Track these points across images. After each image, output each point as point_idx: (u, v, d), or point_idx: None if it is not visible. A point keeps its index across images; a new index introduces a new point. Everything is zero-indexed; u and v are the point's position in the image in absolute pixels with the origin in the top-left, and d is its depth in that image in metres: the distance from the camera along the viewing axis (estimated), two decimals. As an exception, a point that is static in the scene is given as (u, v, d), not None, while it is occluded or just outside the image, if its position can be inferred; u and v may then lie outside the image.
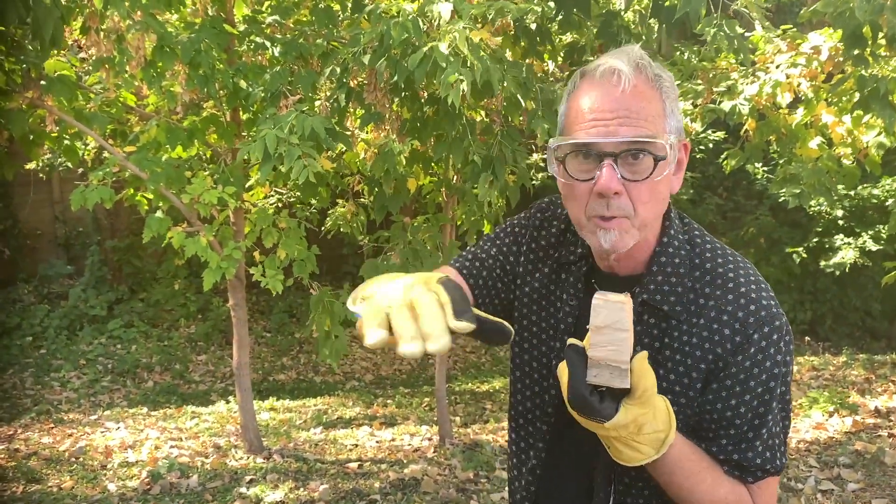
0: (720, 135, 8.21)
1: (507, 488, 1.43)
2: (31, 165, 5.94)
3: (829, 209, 7.97)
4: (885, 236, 7.92)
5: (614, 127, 1.04)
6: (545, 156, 1.22)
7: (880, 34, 3.30)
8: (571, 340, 1.03)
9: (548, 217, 1.31)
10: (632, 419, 1.01)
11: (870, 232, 8.16)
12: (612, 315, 0.99)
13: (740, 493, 1.13)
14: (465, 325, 0.88)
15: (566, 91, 1.14)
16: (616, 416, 1.00)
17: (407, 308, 0.88)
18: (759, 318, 1.09)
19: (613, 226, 1.07)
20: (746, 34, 4.13)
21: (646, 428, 1.02)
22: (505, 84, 2.81)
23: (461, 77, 2.61)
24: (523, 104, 3.12)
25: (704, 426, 1.13)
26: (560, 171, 1.10)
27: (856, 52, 3.39)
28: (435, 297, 0.89)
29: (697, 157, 8.88)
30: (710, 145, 8.51)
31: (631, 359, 1.00)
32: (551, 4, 3.15)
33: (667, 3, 3.05)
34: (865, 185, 8.05)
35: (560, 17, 3.21)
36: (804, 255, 8.26)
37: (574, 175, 1.09)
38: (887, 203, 8.04)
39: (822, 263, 8.09)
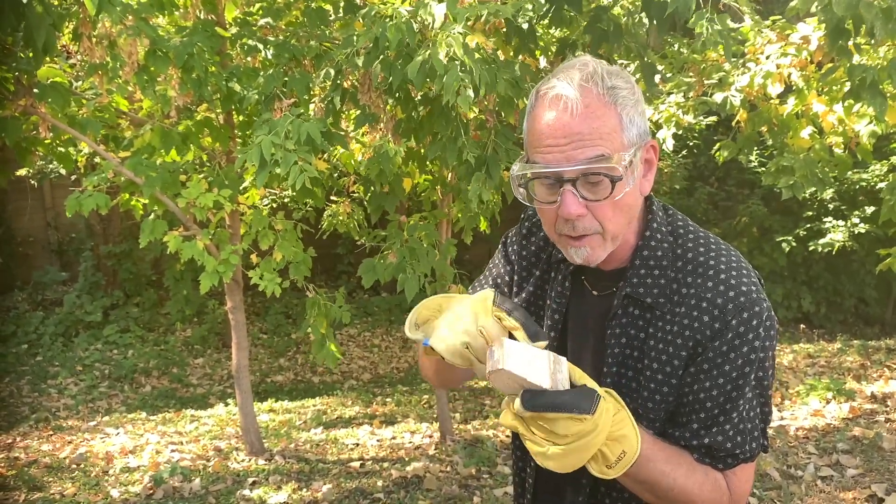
0: (711, 120, 8.24)
1: (512, 482, 1.44)
2: (21, 172, 5.92)
3: (818, 193, 8.02)
4: (873, 217, 7.97)
5: (569, 152, 1.06)
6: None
7: (862, 27, 3.32)
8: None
9: (535, 223, 1.34)
10: (612, 405, 1.01)
11: (857, 213, 8.21)
12: (488, 364, 0.99)
13: (715, 478, 1.14)
14: (541, 345, 1.03)
15: (527, 106, 1.16)
16: (599, 403, 0.97)
17: (486, 346, 1.04)
18: (737, 304, 1.10)
19: (584, 243, 1.11)
20: (737, 25, 4.14)
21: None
22: (497, 85, 2.82)
23: (465, 83, 2.62)
24: (517, 102, 3.13)
25: (678, 410, 1.15)
26: (525, 196, 1.14)
27: (839, 43, 3.41)
28: (502, 330, 1.05)
29: (690, 143, 8.91)
30: (703, 132, 8.52)
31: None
32: (542, 1, 3.15)
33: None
34: (856, 171, 8.11)
35: (551, 13, 3.22)
36: (794, 244, 8.31)
37: (539, 199, 1.12)
38: (878, 187, 8.11)
39: (812, 246, 8.14)
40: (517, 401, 0.96)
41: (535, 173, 1.10)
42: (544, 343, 1.03)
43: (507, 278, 1.36)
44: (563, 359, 1.01)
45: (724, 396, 1.11)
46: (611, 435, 1.00)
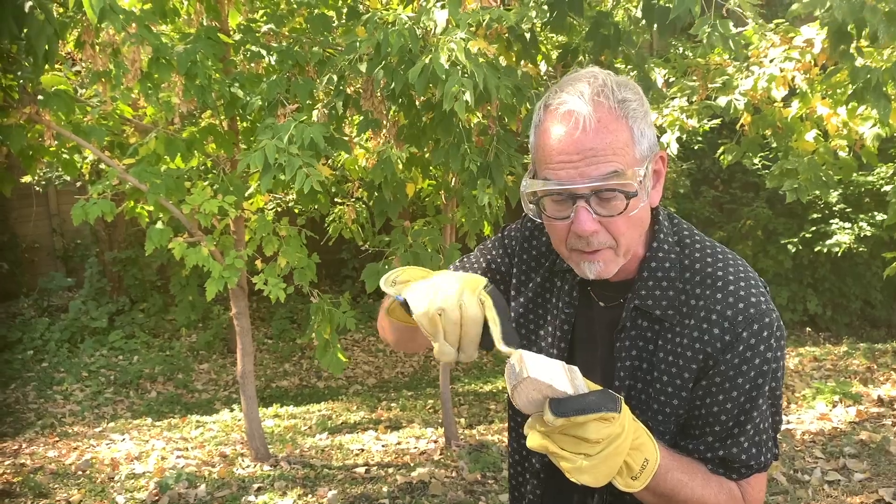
0: (715, 123, 8.22)
1: (509, 495, 1.42)
2: (26, 179, 5.94)
3: (823, 196, 8.01)
4: (880, 222, 7.95)
5: (583, 168, 1.04)
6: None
7: (864, 31, 3.32)
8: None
9: (538, 226, 1.32)
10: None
11: (862, 216, 8.19)
12: (511, 379, 0.98)
13: (730, 488, 1.14)
14: (510, 352, 0.98)
15: (533, 121, 1.14)
16: (622, 402, 0.97)
17: (458, 323, 1.00)
18: (747, 315, 1.09)
19: (598, 258, 1.10)
20: (741, 29, 4.14)
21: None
22: (500, 91, 2.82)
23: (464, 88, 2.62)
24: (519, 108, 3.13)
25: (692, 423, 1.14)
26: (536, 211, 1.13)
27: (841, 48, 3.41)
28: (481, 316, 1.00)
29: (694, 148, 8.90)
30: (707, 133, 8.50)
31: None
32: (545, 7, 3.16)
33: (659, 3, 3.05)
34: (861, 173, 8.09)
35: (553, 19, 3.22)
36: (800, 247, 8.29)
37: (550, 215, 1.10)
38: (883, 190, 8.08)
39: (817, 247, 8.12)
40: (547, 412, 0.94)
41: (547, 190, 1.08)
42: (514, 351, 0.98)
43: (503, 268, 1.34)
44: (575, 367, 1.00)
45: (739, 409, 1.11)
46: (631, 444, 0.99)
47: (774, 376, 1.13)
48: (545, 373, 0.95)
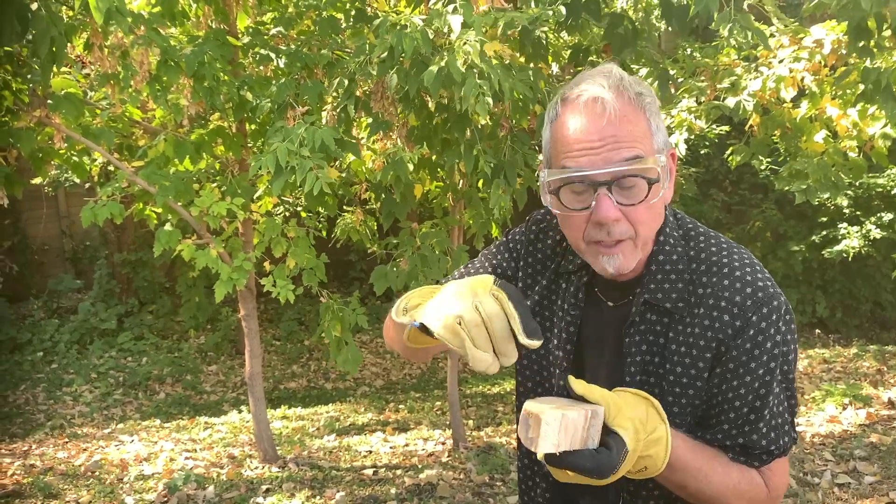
0: (724, 129, 8.20)
1: (519, 493, 1.42)
2: (36, 181, 5.97)
3: (832, 199, 7.96)
4: (888, 223, 7.90)
5: (605, 153, 1.04)
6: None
7: (885, 25, 3.30)
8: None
9: (543, 228, 1.33)
10: (642, 435, 1.02)
11: (872, 219, 8.14)
12: (521, 433, 0.99)
13: (752, 476, 1.14)
14: (535, 343, 0.94)
15: (547, 118, 1.14)
16: (622, 464, 0.99)
17: (481, 324, 0.94)
18: (756, 299, 1.10)
19: (617, 250, 1.09)
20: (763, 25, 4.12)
21: (643, 433, 1.02)
22: (515, 91, 2.82)
23: (484, 92, 2.62)
24: (532, 108, 3.13)
25: (709, 413, 1.14)
26: (554, 202, 1.12)
27: (861, 43, 3.39)
28: (501, 310, 0.95)
29: (702, 152, 8.87)
30: (716, 139, 8.48)
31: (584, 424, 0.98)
32: (562, 9, 3.15)
33: (679, 3, 3.04)
34: (871, 175, 8.03)
35: (569, 21, 3.22)
36: (806, 254, 8.24)
37: (569, 206, 1.10)
38: (893, 192, 8.03)
39: (826, 252, 8.07)
40: (539, 453, 0.96)
41: (567, 178, 1.07)
42: (538, 343, 0.94)
43: (508, 272, 1.34)
44: (601, 410, 0.99)
45: (754, 395, 1.11)
46: (636, 462, 1.01)
47: (786, 359, 1.13)
48: (556, 444, 0.95)
